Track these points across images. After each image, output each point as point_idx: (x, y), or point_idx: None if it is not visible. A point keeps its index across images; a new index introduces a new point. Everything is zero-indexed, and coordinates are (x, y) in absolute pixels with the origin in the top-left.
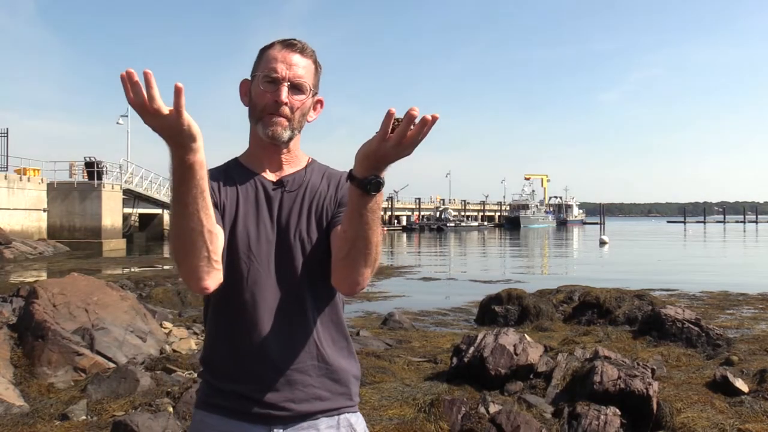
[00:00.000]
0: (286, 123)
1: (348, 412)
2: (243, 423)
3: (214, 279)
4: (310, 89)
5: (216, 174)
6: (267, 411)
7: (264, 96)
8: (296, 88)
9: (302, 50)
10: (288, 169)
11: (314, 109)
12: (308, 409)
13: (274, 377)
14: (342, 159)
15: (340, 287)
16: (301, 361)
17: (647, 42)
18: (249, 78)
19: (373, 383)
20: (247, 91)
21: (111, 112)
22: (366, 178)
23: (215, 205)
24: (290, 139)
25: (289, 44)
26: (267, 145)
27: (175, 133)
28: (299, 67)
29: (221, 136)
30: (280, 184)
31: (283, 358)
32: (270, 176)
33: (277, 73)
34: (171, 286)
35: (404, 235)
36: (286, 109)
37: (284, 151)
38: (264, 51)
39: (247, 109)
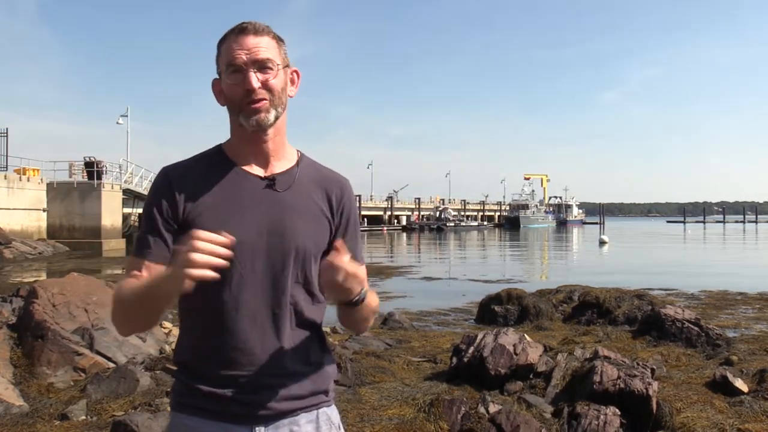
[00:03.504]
0: (267, 104)
1: (325, 406)
2: (224, 423)
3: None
4: (277, 63)
5: (195, 166)
6: (249, 411)
7: (235, 88)
8: (262, 67)
9: (255, 31)
10: (276, 164)
11: (292, 82)
12: (289, 407)
13: (257, 380)
14: (342, 159)
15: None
16: (284, 364)
17: (648, 42)
18: (218, 77)
19: (373, 383)
20: (219, 90)
21: (111, 112)
22: (351, 301)
23: (175, 219)
24: (276, 119)
25: (240, 30)
26: (251, 136)
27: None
28: (259, 46)
29: (222, 136)
30: (270, 182)
31: (266, 361)
32: (257, 171)
33: (238, 60)
34: None
35: (404, 234)
36: (261, 92)
37: (270, 136)
38: (220, 46)
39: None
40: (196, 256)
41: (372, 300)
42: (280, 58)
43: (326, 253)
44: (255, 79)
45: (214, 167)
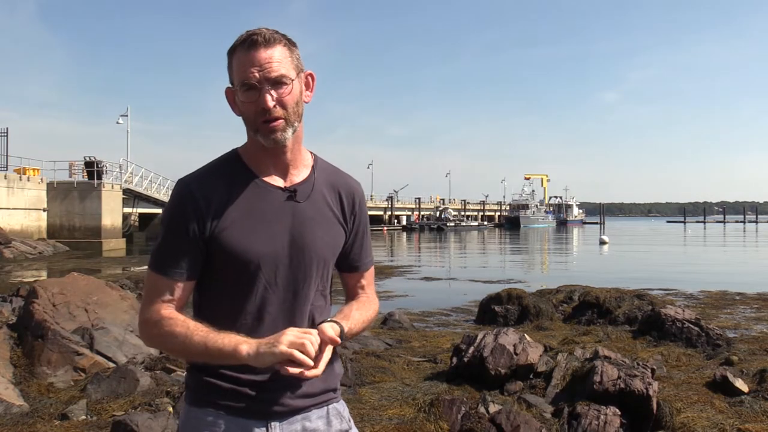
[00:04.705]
0: (284, 123)
1: (334, 402)
2: (240, 419)
3: None
4: (292, 77)
5: (216, 180)
6: (265, 408)
7: (250, 106)
8: (277, 83)
9: (266, 42)
10: (295, 172)
11: (307, 86)
12: (302, 404)
13: (275, 381)
14: (342, 159)
15: None
16: None
17: (647, 42)
18: (231, 85)
19: (373, 383)
20: (234, 99)
21: (111, 112)
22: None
23: (201, 235)
24: (293, 132)
25: (250, 43)
26: (269, 150)
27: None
28: (271, 61)
29: (221, 136)
30: (291, 194)
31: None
32: (277, 181)
33: (252, 79)
34: None
35: (404, 234)
36: (277, 111)
37: (288, 147)
38: (230, 57)
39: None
40: (305, 349)
41: (358, 327)
42: (293, 66)
43: (340, 256)
44: (270, 98)
45: (235, 180)
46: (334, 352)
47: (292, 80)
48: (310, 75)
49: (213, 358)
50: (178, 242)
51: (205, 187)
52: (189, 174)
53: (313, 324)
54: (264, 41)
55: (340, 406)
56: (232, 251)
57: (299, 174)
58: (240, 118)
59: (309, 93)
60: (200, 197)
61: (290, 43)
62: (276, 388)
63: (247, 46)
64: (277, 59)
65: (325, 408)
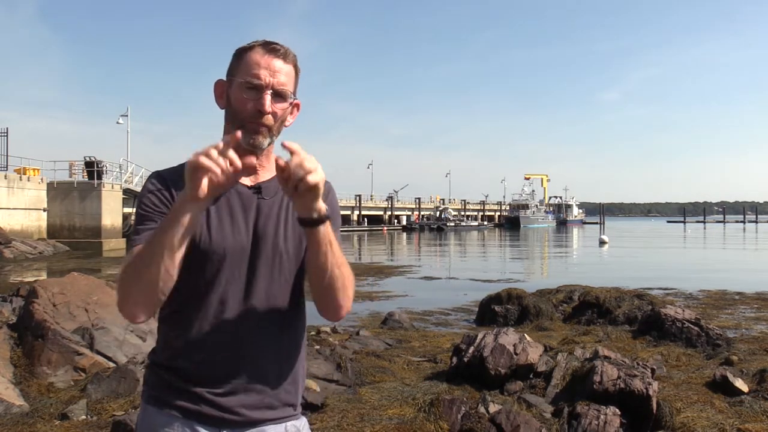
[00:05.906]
0: (267, 132)
1: (293, 419)
2: (193, 422)
3: (149, 315)
4: (290, 97)
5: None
6: (220, 414)
7: (246, 103)
8: (279, 95)
9: (285, 56)
10: (262, 173)
11: (291, 113)
12: (259, 416)
13: (234, 383)
14: (342, 158)
15: (326, 314)
16: (262, 371)
17: (647, 42)
18: (224, 79)
19: (373, 383)
20: (223, 93)
21: (111, 112)
22: (303, 218)
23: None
24: (268, 145)
25: (271, 49)
26: (243, 149)
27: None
28: (282, 73)
29: (216, 135)
30: (256, 190)
31: (245, 365)
32: (245, 180)
33: (260, 80)
34: None
35: (404, 234)
36: (269, 118)
37: (259, 155)
38: (243, 53)
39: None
40: (204, 159)
41: (335, 241)
42: (293, 89)
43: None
44: (269, 103)
45: None
46: (303, 367)
47: (291, 99)
48: (297, 105)
49: (172, 226)
50: (151, 217)
51: (176, 179)
52: (163, 169)
53: (276, 324)
54: (283, 54)
55: (299, 423)
56: (196, 243)
57: (267, 175)
58: (222, 112)
59: (291, 119)
60: (171, 184)
61: (298, 69)
62: (233, 393)
63: (267, 49)
64: (287, 74)
65: (283, 425)
